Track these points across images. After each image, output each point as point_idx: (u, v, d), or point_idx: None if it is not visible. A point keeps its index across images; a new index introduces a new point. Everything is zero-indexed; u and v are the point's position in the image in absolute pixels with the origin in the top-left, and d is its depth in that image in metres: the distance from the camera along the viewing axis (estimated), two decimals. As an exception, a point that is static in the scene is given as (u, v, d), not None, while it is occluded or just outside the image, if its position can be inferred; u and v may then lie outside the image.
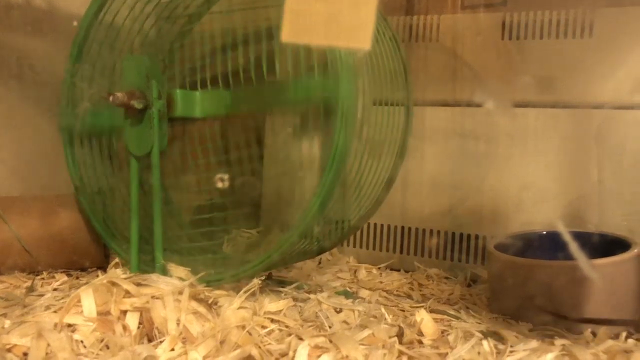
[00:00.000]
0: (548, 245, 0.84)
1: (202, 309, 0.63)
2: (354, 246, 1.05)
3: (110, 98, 0.65)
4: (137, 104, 0.65)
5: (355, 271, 0.95)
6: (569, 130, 0.92)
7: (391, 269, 0.98)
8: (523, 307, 0.72)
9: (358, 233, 1.04)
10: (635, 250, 0.74)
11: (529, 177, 0.93)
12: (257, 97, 0.64)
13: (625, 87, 0.89)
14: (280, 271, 0.90)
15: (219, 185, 0.66)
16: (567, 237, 0.63)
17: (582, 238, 0.79)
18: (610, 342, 0.60)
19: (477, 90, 0.99)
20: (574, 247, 0.61)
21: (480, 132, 0.97)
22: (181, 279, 0.67)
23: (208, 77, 0.67)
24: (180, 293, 0.64)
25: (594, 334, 0.68)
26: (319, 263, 0.99)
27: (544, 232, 0.85)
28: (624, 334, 0.68)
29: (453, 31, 1.01)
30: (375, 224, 1.03)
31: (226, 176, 0.66)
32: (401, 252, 1.01)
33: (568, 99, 0.92)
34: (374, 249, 1.04)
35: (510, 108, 0.95)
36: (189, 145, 0.78)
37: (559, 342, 0.62)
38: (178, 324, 0.61)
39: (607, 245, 0.80)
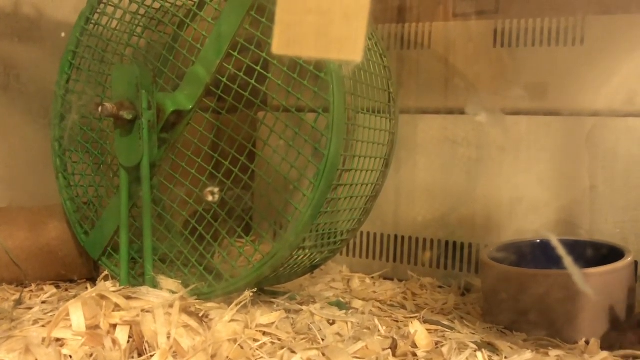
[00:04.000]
0: (542, 253, 0.84)
1: (193, 322, 0.62)
2: (347, 255, 1.04)
3: (100, 109, 0.65)
4: (127, 115, 0.64)
5: (348, 281, 0.95)
6: (561, 137, 0.91)
7: (384, 278, 0.98)
8: (517, 318, 0.72)
9: (351, 242, 1.03)
10: (629, 259, 0.74)
11: (521, 185, 0.93)
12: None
13: (617, 94, 0.89)
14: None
15: (209, 198, 0.65)
16: (560, 250, 0.62)
17: (575, 246, 0.79)
18: (605, 354, 0.60)
19: (469, 98, 0.99)
20: (568, 261, 0.61)
21: (472, 140, 0.97)
22: (171, 291, 0.66)
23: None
24: (171, 306, 0.62)
25: (587, 342, 0.67)
26: (312, 272, 0.98)
27: (538, 241, 0.85)
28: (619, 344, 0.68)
29: (445, 39, 1.01)
30: (368, 233, 1.02)
31: (217, 189, 0.65)
32: (394, 261, 1.01)
33: (560, 107, 0.92)
34: (367, 257, 1.03)
35: (502, 116, 0.95)
36: (180, 154, 0.76)
37: (553, 352, 0.62)
38: (169, 338, 0.60)
39: (600, 254, 0.79)
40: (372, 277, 0.97)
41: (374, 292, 0.89)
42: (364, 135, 0.75)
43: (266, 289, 0.85)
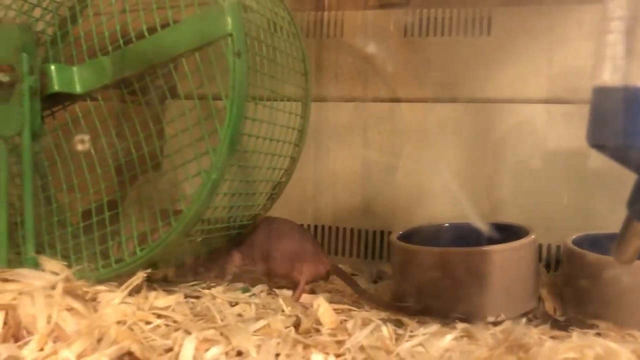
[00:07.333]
0: (451, 237, 0.84)
1: (78, 305, 0.57)
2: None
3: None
4: (3, 77, 0.58)
5: (259, 271, 0.91)
6: (469, 124, 0.93)
7: (297, 268, 0.94)
8: (425, 298, 0.71)
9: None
10: (532, 237, 0.75)
11: (432, 172, 0.94)
12: (137, 54, 0.59)
13: (521, 83, 0.91)
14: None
15: (79, 148, 0.60)
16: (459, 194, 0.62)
17: (483, 228, 0.80)
18: (508, 323, 0.60)
19: (381, 87, 0.99)
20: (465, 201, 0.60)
21: (386, 128, 0.97)
22: (55, 273, 0.61)
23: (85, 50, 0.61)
24: (53, 288, 0.57)
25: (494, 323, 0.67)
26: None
27: (447, 224, 0.85)
28: (523, 320, 0.68)
29: (357, 28, 1.01)
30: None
31: (87, 137, 0.60)
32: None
33: (468, 95, 0.94)
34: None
35: (412, 103, 0.96)
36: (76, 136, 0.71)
37: (460, 325, 0.61)
38: (49, 322, 0.54)
39: (506, 234, 0.80)
40: (285, 267, 0.94)
41: (285, 280, 0.86)
42: (270, 120, 0.72)
43: (169, 279, 0.80)
